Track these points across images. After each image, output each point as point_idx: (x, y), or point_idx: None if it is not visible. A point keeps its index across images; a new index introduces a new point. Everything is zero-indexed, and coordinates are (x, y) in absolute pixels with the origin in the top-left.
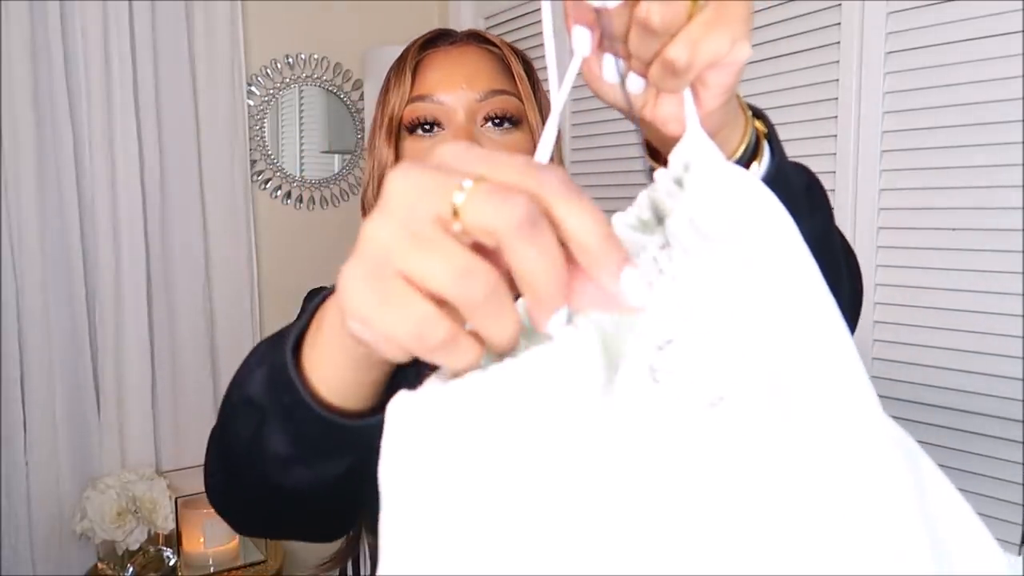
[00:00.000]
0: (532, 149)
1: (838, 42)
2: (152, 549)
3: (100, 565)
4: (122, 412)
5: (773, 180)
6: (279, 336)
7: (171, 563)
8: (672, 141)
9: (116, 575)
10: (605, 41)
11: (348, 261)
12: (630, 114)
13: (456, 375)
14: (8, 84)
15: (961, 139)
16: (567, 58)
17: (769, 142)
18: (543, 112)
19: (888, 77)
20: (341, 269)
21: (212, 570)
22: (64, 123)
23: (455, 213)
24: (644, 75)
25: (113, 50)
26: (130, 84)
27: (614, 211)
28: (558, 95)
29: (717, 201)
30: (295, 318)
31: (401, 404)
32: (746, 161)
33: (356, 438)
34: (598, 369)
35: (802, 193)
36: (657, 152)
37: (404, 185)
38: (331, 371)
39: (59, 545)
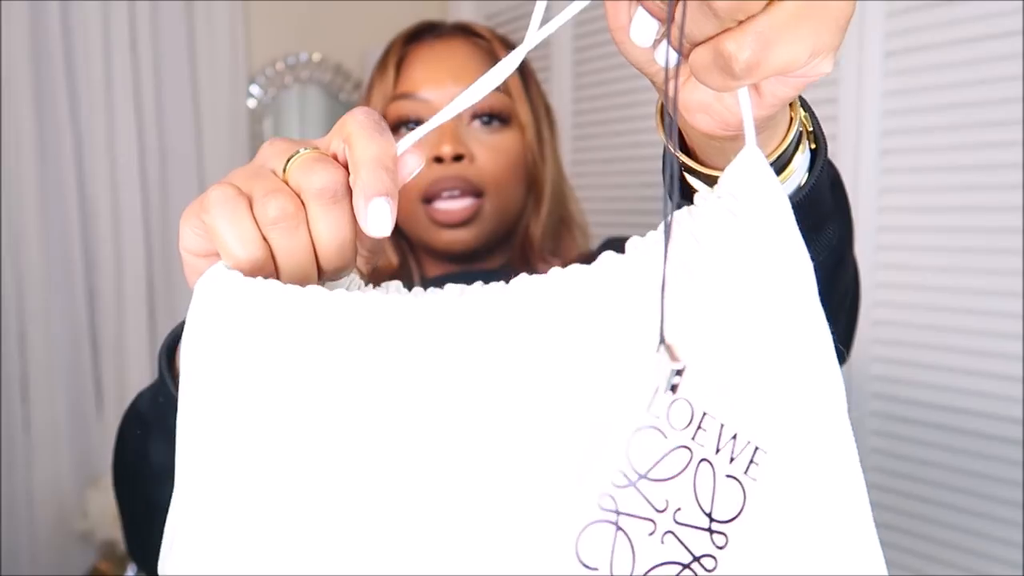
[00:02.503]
0: (522, 148)
1: None
2: None
3: (101, 565)
4: (123, 411)
5: (813, 186)
6: None
7: None
8: (693, 129)
9: (117, 575)
10: None
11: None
12: (651, 81)
13: None
14: (8, 84)
15: (961, 139)
16: (559, 42)
17: (811, 140)
18: (536, 109)
19: (888, 77)
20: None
21: None
22: (64, 123)
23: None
24: (685, 54)
25: (113, 50)
26: (130, 84)
27: (616, 208)
28: (536, 32)
29: (735, 235)
30: None
31: (212, 276)
32: (788, 159)
33: None
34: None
35: (829, 192)
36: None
37: (267, 150)
38: None
39: (59, 545)
